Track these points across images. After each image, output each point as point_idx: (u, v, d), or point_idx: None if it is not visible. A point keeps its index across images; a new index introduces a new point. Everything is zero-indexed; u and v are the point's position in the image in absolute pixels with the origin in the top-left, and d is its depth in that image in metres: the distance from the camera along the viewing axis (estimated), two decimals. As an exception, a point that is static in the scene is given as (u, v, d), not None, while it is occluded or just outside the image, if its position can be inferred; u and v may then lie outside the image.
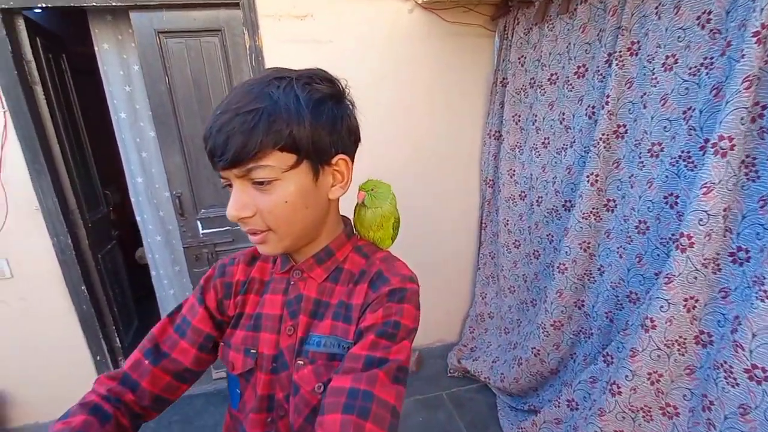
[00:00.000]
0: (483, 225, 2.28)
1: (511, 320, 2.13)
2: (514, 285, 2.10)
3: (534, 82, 1.83)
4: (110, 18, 1.97)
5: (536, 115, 1.82)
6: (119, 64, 2.03)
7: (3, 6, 1.64)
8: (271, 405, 0.57)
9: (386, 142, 2.07)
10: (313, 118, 0.50)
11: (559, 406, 1.53)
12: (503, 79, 2.01)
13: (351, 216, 0.70)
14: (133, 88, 2.07)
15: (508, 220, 2.06)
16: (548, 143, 1.77)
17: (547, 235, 1.80)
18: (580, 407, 1.45)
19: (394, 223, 0.66)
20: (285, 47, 1.90)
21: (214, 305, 0.62)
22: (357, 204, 0.66)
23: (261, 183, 0.49)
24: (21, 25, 1.75)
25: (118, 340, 2.24)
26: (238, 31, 1.88)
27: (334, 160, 0.55)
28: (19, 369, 2.02)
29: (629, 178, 1.36)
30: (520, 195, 1.99)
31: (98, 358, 2.11)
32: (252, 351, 0.58)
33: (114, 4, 1.72)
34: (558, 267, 1.60)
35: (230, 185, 0.52)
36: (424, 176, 2.20)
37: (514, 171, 2.01)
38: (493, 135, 2.10)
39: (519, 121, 1.96)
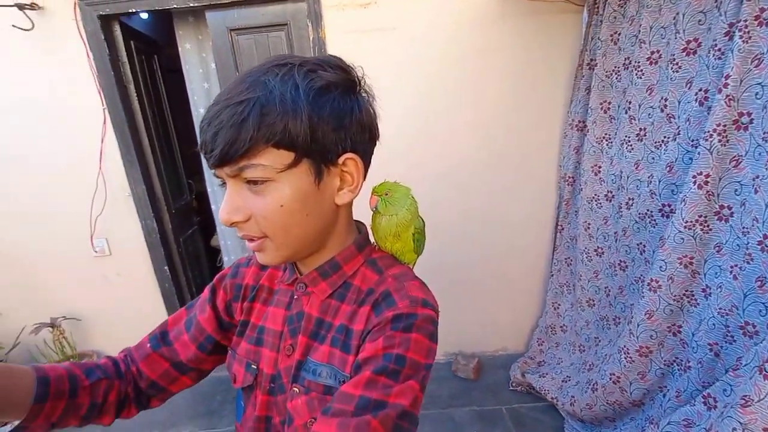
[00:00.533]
0: (559, 227, 2.04)
1: (588, 337, 1.88)
2: (593, 298, 1.84)
3: (629, 63, 1.55)
4: (192, 19, 2.11)
5: (630, 102, 1.54)
6: (199, 63, 2.17)
7: (101, 13, 1.83)
8: (267, 428, 0.52)
9: (451, 132, 1.93)
10: (313, 111, 0.42)
11: (640, 447, 1.30)
12: (591, 60, 1.74)
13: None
14: (210, 84, 2.19)
15: (589, 224, 1.81)
16: (644, 135, 1.49)
17: (638, 245, 1.53)
18: (669, 453, 1.21)
19: (414, 233, 0.56)
20: (348, 37, 1.86)
21: (223, 306, 0.59)
22: (373, 215, 0.57)
23: (255, 183, 0.43)
24: (117, 29, 1.94)
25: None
26: (303, 24, 1.87)
27: (341, 160, 0.47)
28: (112, 332, 2.30)
29: (753, 180, 1.07)
30: (606, 195, 1.72)
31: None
32: (253, 366, 0.54)
33: (192, 4, 1.81)
34: (649, 284, 1.34)
35: (225, 187, 0.46)
36: (492, 170, 2.02)
37: (600, 167, 1.74)
38: (576, 126, 1.84)
39: (608, 109, 1.69)
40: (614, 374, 1.50)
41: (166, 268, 2.19)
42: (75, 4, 1.79)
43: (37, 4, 1.76)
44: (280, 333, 0.53)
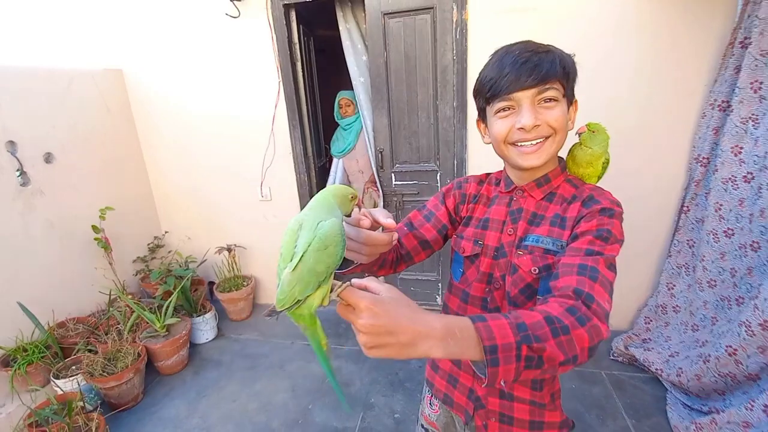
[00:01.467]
0: (684, 209, 2.04)
1: (704, 317, 1.90)
2: (716, 279, 1.85)
3: (791, 41, 1.51)
4: (350, 3, 2.47)
5: (787, 81, 1.51)
6: (357, 40, 2.52)
7: (285, 2, 2.27)
8: (490, 279, 0.80)
9: (582, 111, 2.03)
10: (574, 68, 0.70)
11: (752, 410, 1.37)
12: (744, 39, 1.70)
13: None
14: (367, 58, 2.54)
15: (721, 205, 1.80)
16: (799, 115, 1.47)
17: (775, 226, 1.53)
18: (783, 417, 1.28)
19: (604, 162, 0.78)
20: (488, 19, 2.04)
21: (453, 207, 0.88)
22: (573, 145, 0.81)
23: (549, 100, 0.69)
24: (293, 15, 2.38)
25: (326, 259, 2.93)
26: (448, 7, 2.10)
27: (574, 102, 0.74)
28: (267, 263, 2.89)
29: None
30: (744, 177, 1.71)
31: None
32: (479, 242, 0.81)
33: (356, -8, 2.16)
34: (783, 261, 1.37)
35: (507, 112, 0.71)
36: (618, 148, 2.06)
37: (742, 148, 1.72)
38: (719, 106, 1.82)
39: (759, 89, 1.65)
40: (731, 346, 1.55)
41: (311, 214, 2.68)
42: (267, -5, 2.25)
43: (241, -3, 2.27)
44: (503, 221, 0.80)
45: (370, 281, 0.52)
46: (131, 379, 1.99)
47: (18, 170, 2.05)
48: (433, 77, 2.25)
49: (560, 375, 0.83)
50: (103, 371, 1.93)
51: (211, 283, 2.92)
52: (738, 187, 1.74)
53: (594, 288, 0.57)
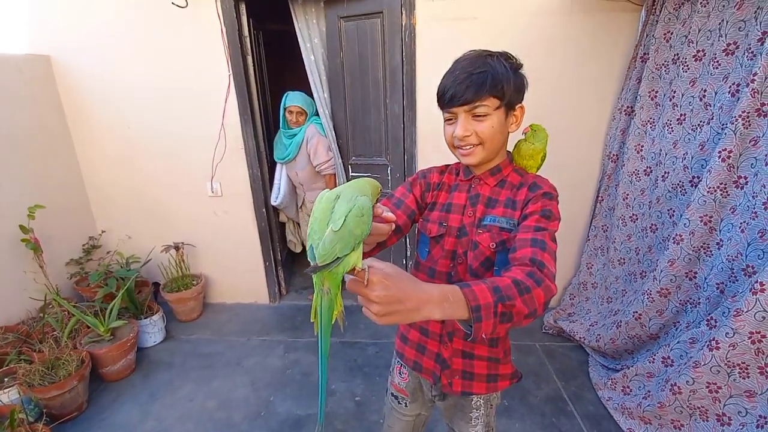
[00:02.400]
0: (599, 198, 2.37)
1: (616, 290, 2.23)
2: (624, 257, 2.19)
3: (677, 59, 1.85)
4: (301, 1, 2.50)
5: (675, 92, 1.85)
6: (310, 39, 2.55)
7: (235, -5, 2.25)
8: (453, 256, 0.93)
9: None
10: (513, 79, 0.82)
11: (653, 362, 1.67)
12: (644, 54, 2.03)
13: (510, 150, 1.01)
14: (316, 57, 2.59)
15: (627, 194, 2.14)
16: (684, 120, 1.80)
17: (668, 210, 1.86)
18: (675, 364, 1.58)
19: (543, 156, 0.96)
20: (433, 24, 2.21)
21: (419, 194, 1.00)
22: (518, 141, 0.98)
23: (480, 116, 0.82)
24: (243, 8, 2.36)
25: (279, 253, 2.94)
26: (396, 12, 2.23)
27: (516, 109, 0.87)
28: (218, 261, 2.83)
29: (766, 156, 1.39)
30: (645, 170, 2.05)
31: (267, 263, 2.83)
32: (444, 224, 0.94)
33: (309, -9, 2.21)
34: (674, 238, 1.69)
35: (451, 120, 0.85)
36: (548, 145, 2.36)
37: (642, 146, 2.06)
38: (625, 110, 2.15)
39: (655, 96, 1.99)
40: (637, 312, 1.86)
41: (264, 210, 2.68)
42: (216, -13, 2.21)
43: (188, -13, 2.20)
44: (463, 206, 0.94)
45: (373, 260, 0.61)
46: (75, 387, 1.88)
47: (-74, 165, 1.83)
48: (383, 77, 2.38)
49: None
50: (42, 380, 1.80)
51: (156, 284, 2.79)
52: (640, 179, 2.08)
53: (544, 256, 0.72)
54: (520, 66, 0.87)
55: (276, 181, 2.77)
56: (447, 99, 0.83)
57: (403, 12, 2.20)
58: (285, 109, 2.53)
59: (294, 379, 2.17)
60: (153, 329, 2.44)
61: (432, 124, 2.38)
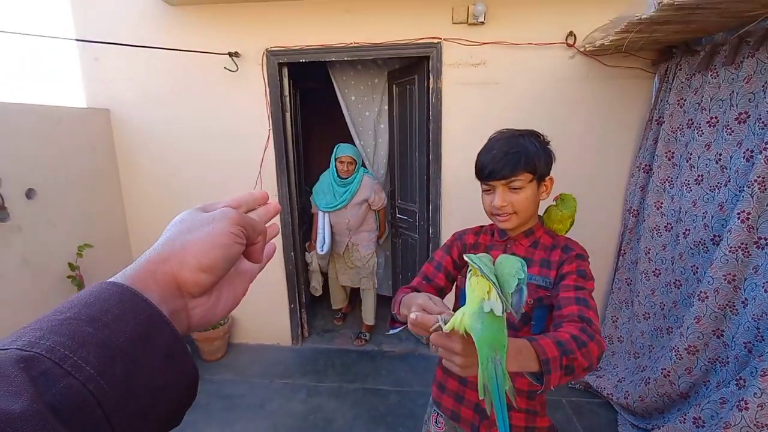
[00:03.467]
0: (622, 252, 2.41)
1: (643, 345, 2.22)
2: (649, 312, 2.19)
3: (692, 123, 1.96)
4: (337, 66, 2.77)
5: (691, 154, 1.94)
6: (356, 97, 2.83)
7: (280, 61, 2.51)
8: None
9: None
10: (544, 156, 0.95)
11: (684, 422, 1.64)
12: (659, 117, 2.16)
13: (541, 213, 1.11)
14: (370, 114, 2.87)
15: (649, 249, 2.18)
16: (701, 180, 1.88)
17: (692, 267, 1.90)
18: (707, 425, 1.56)
19: (571, 221, 1.05)
20: (458, 88, 2.40)
21: (457, 255, 1.09)
22: (549, 206, 1.08)
23: (515, 188, 0.94)
24: (285, 71, 2.62)
25: (304, 296, 3.01)
26: (424, 77, 2.45)
27: (546, 180, 0.98)
28: (244, 302, 2.86)
29: (785, 219, 1.45)
30: (665, 226, 2.11)
31: (291, 305, 2.90)
32: None
33: (346, 58, 2.45)
34: (698, 295, 1.72)
35: (489, 191, 0.97)
36: (566, 200, 2.46)
37: (662, 203, 2.13)
38: (643, 168, 2.25)
39: (672, 157, 2.09)
40: (665, 369, 1.85)
41: (292, 253, 2.79)
42: (264, 54, 2.48)
43: (238, 53, 2.48)
44: None
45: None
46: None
47: (-2, 206, 2.02)
48: (416, 132, 2.58)
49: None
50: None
51: (184, 323, 2.87)
52: (661, 235, 2.13)
53: (589, 313, 0.81)
54: (548, 142, 0.99)
55: (320, 231, 2.84)
56: (486, 174, 0.95)
57: (431, 77, 2.41)
58: (336, 159, 2.72)
59: (317, 426, 2.17)
60: (180, 368, 2.49)
61: (455, 177, 2.51)
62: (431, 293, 1.03)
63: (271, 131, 2.60)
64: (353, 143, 2.97)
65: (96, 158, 2.60)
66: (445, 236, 2.61)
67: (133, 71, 2.60)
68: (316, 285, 3.20)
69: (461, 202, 2.54)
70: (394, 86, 2.71)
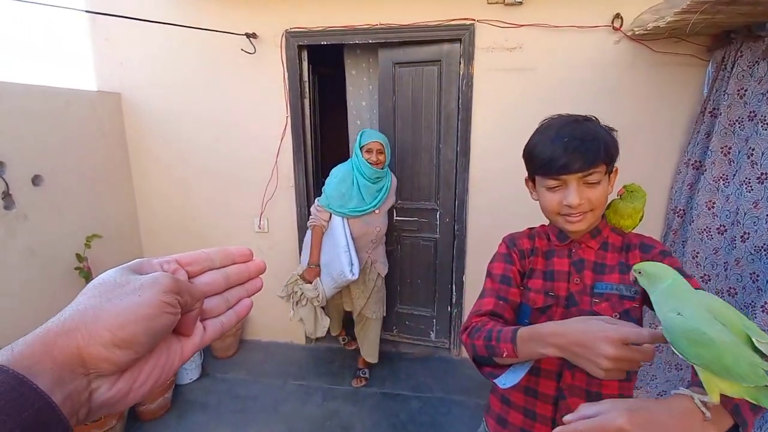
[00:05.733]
0: (663, 254, 2.24)
1: (686, 356, 2.05)
2: (695, 321, 2.02)
3: (754, 116, 1.77)
4: (358, 51, 2.60)
5: (753, 149, 1.76)
6: (359, 85, 2.65)
7: (300, 43, 2.36)
8: None
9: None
10: (616, 147, 0.80)
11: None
12: (714, 109, 1.97)
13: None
14: (366, 103, 2.67)
15: (698, 253, 2.00)
16: (765, 179, 1.70)
17: (751, 274, 1.72)
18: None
19: (641, 216, 0.91)
20: (491, 74, 2.23)
21: (519, 265, 0.92)
22: (614, 200, 0.93)
23: (592, 183, 0.79)
24: (305, 55, 2.46)
25: (318, 294, 2.88)
26: (454, 61, 2.28)
27: (613, 170, 0.84)
28: (257, 297, 2.72)
29: None
30: (718, 228, 1.93)
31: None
32: (551, 294, 0.87)
33: (371, 41, 2.29)
34: (762, 306, 1.54)
35: (557, 187, 0.81)
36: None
37: (714, 203, 1.95)
38: (692, 164, 2.06)
39: (728, 153, 1.91)
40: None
41: (308, 248, 2.66)
42: (283, 35, 2.33)
43: (256, 34, 2.33)
44: (567, 272, 0.87)
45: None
46: (114, 426, 1.82)
47: (2, 193, 1.91)
48: (437, 122, 2.39)
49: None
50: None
51: (195, 318, 2.76)
52: (712, 238, 1.95)
53: None
54: (614, 130, 0.85)
55: (343, 247, 2.09)
56: (558, 167, 0.79)
57: (462, 61, 2.24)
58: (362, 148, 2.08)
59: (334, 432, 2.05)
60: (190, 365, 2.39)
61: (485, 171, 2.35)
62: (509, 314, 0.88)
63: (288, 118, 2.45)
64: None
65: (106, 144, 2.48)
66: (472, 233, 2.46)
67: (145, 53, 2.47)
68: (309, 322, 2.28)
69: (490, 196, 2.38)
70: (395, 67, 2.35)
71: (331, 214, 2.15)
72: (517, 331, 0.71)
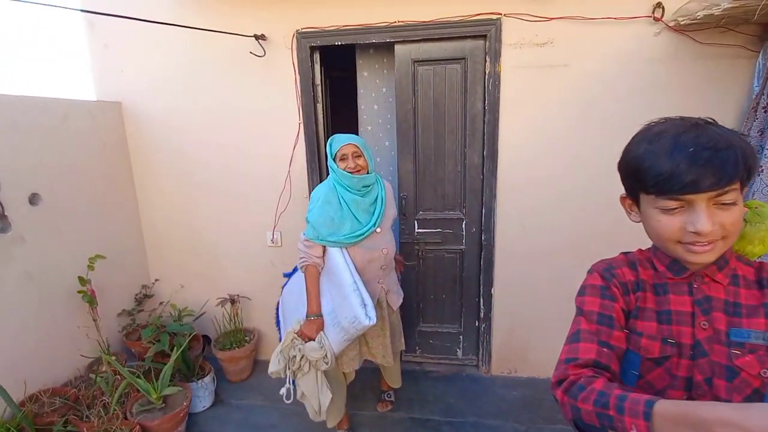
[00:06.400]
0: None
1: None
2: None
3: (820, 110, 1.61)
4: (372, 51, 2.44)
5: (820, 147, 1.59)
6: (372, 88, 2.49)
7: (312, 44, 2.20)
8: (688, 386, 0.69)
9: (610, 165, 2.06)
10: (755, 157, 0.64)
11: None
12: (766, 105, 1.81)
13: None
14: (379, 106, 2.51)
15: (754, 261, 1.84)
16: (837, 180, 1.53)
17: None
18: None
19: None
20: (521, 72, 2.07)
21: (623, 302, 0.75)
22: None
23: (727, 203, 0.62)
24: (317, 56, 2.30)
25: (335, 310, 2.72)
26: (479, 58, 2.12)
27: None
28: (271, 315, 2.62)
29: None
30: (777, 234, 1.76)
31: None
32: (671, 341, 0.70)
33: (388, 40, 2.13)
34: None
35: (678, 209, 0.64)
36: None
37: (772, 207, 1.78)
38: (744, 165, 1.90)
39: (787, 151, 1.74)
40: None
41: (324, 262, 2.49)
42: (293, 36, 2.17)
43: (265, 36, 2.17)
44: (690, 313, 0.70)
45: None
46: (124, 468, 1.66)
47: (-3, 214, 1.76)
48: (461, 125, 2.23)
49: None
50: (91, 459, 1.60)
51: (206, 338, 2.61)
52: None
53: None
54: (745, 135, 0.68)
55: (350, 286, 1.64)
56: (682, 184, 0.61)
57: (488, 59, 2.08)
58: (335, 157, 1.71)
59: (362, 466, 1.88)
60: (203, 392, 2.23)
61: (513, 176, 2.18)
62: (616, 365, 0.69)
63: (301, 125, 2.29)
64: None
65: (107, 157, 2.33)
66: (500, 243, 2.29)
67: (147, 60, 2.31)
68: (313, 396, 1.78)
69: (519, 204, 2.21)
70: (415, 65, 2.15)
71: (324, 248, 1.75)
72: (654, 405, 0.53)
